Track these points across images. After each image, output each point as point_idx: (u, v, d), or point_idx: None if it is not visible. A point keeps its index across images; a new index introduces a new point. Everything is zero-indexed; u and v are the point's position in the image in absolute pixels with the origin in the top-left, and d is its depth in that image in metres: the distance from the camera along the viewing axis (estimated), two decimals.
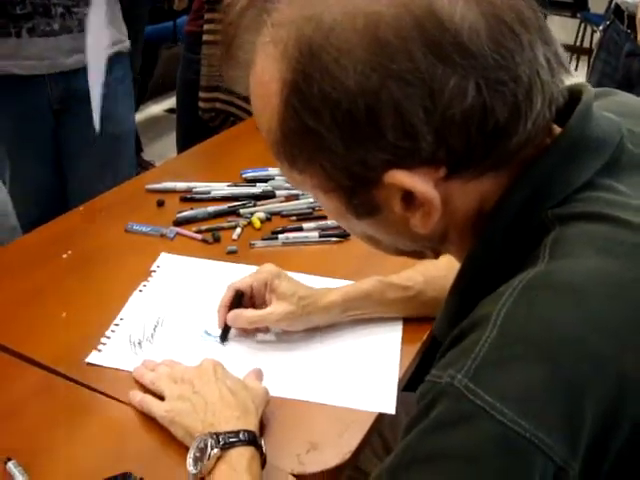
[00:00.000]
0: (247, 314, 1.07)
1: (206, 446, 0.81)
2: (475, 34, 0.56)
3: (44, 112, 1.75)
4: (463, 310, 0.62)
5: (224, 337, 1.08)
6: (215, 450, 0.80)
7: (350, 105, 0.58)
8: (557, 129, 0.65)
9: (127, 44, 1.85)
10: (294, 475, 0.87)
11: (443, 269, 1.02)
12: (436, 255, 0.75)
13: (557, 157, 0.63)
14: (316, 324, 1.09)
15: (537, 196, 0.63)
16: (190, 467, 0.82)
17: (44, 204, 1.82)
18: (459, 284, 0.70)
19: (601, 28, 2.32)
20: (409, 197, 0.62)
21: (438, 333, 0.73)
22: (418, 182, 0.60)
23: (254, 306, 1.10)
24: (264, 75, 0.62)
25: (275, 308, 1.06)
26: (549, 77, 0.60)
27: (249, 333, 1.10)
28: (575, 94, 0.66)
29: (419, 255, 0.76)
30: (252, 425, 0.86)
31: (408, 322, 1.13)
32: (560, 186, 0.63)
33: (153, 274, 1.23)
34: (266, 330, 1.10)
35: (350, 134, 0.59)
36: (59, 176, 1.90)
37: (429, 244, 0.72)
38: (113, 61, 1.71)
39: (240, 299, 1.08)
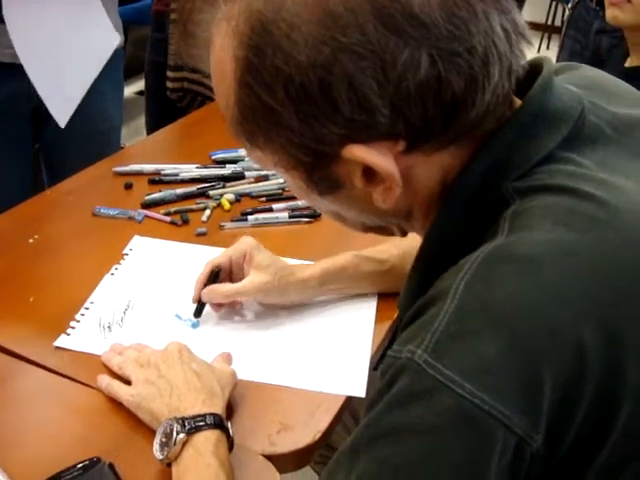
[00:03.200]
0: (223, 288, 1.06)
1: (172, 431, 0.81)
2: (427, 4, 0.56)
3: (23, 103, 1.71)
4: (425, 285, 0.62)
5: (198, 314, 1.08)
6: (181, 435, 0.80)
7: (303, 80, 0.57)
8: (518, 102, 0.65)
9: (120, 41, 1.81)
10: (265, 456, 0.87)
11: (419, 243, 1.02)
12: (402, 233, 0.75)
13: (517, 130, 0.63)
14: (291, 299, 1.09)
15: (497, 169, 0.63)
16: (157, 453, 0.81)
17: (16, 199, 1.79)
18: (421, 259, 0.70)
19: (570, 5, 2.32)
20: (370, 172, 0.62)
21: (401, 309, 0.73)
22: (376, 156, 0.60)
23: (232, 280, 1.10)
24: (220, 52, 0.62)
25: (252, 278, 1.06)
26: (507, 47, 0.59)
27: (223, 309, 1.10)
28: (536, 67, 0.66)
29: (386, 231, 0.75)
30: (218, 408, 0.85)
31: (382, 300, 1.13)
32: (520, 159, 0.63)
33: (125, 257, 1.22)
34: (240, 308, 1.10)
35: (305, 109, 0.58)
36: (34, 171, 1.87)
37: (394, 220, 0.72)
38: None
39: (216, 276, 1.08)
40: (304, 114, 0.59)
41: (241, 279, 1.08)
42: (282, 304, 1.10)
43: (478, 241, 0.61)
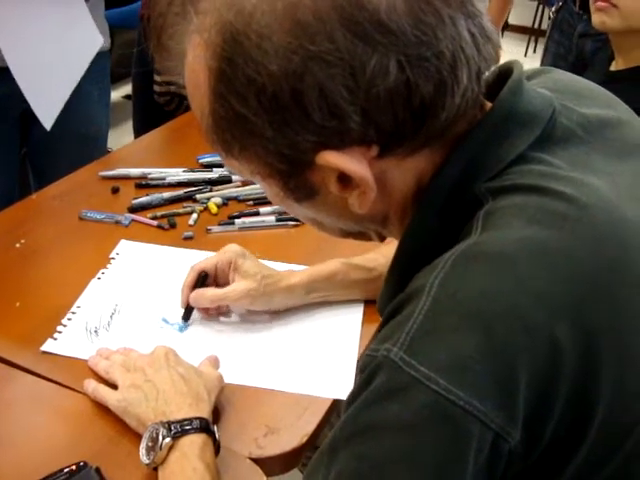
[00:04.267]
0: (209, 293, 1.07)
1: (158, 435, 0.81)
2: (393, 11, 0.56)
3: (11, 107, 1.70)
4: (402, 286, 0.63)
5: (186, 318, 1.08)
6: (167, 439, 0.80)
7: (275, 89, 0.58)
8: (489, 105, 0.66)
9: (107, 43, 1.81)
10: (252, 459, 0.87)
11: None
12: (380, 238, 0.76)
13: (488, 131, 0.64)
14: (278, 306, 1.10)
15: (470, 171, 0.64)
16: (143, 457, 0.81)
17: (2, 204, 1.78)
18: (397, 261, 0.71)
19: (553, 9, 2.34)
20: (344, 178, 0.62)
21: (380, 310, 0.74)
22: (349, 162, 0.60)
23: (217, 285, 1.10)
24: (193, 64, 0.63)
25: (237, 285, 1.06)
26: (474, 51, 0.60)
27: (211, 314, 1.10)
28: (506, 72, 0.67)
29: (364, 237, 0.76)
30: (205, 412, 0.85)
31: (368, 304, 1.13)
32: (492, 160, 0.64)
33: (112, 261, 1.22)
34: (228, 312, 1.10)
35: (277, 117, 0.59)
36: (21, 175, 1.87)
37: (371, 225, 0.73)
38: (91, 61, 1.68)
39: (204, 280, 1.08)
40: (277, 122, 0.60)
41: (225, 285, 1.08)
42: (269, 310, 1.10)
43: (453, 242, 0.61)
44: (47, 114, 1.58)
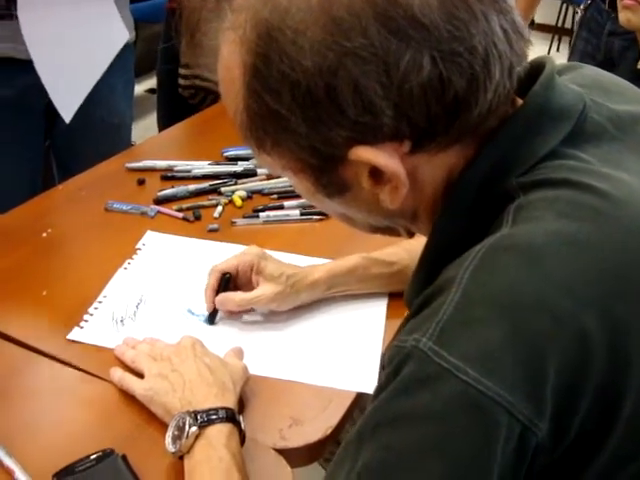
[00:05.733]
0: (236, 298, 1.06)
1: (184, 424, 0.81)
2: (427, 6, 0.57)
3: (36, 98, 1.71)
4: (431, 279, 0.63)
5: (212, 320, 1.08)
6: (193, 428, 0.81)
7: (309, 85, 0.58)
8: (520, 101, 0.66)
9: (132, 37, 1.82)
10: (276, 450, 0.87)
11: None
12: (409, 234, 0.76)
13: (520, 127, 0.64)
14: (303, 301, 1.10)
15: (501, 166, 0.64)
16: (169, 446, 0.82)
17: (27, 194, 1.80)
18: (427, 253, 0.71)
19: (582, 7, 2.32)
20: (376, 173, 0.63)
21: (408, 302, 0.74)
22: (383, 157, 0.61)
23: (238, 287, 1.10)
24: (227, 60, 0.63)
25: (264, 290, 1.06)
26: (506, 47, 0.60)
27: (236, 315, 1.10)
28: (538, 67, 0.67)
29: (393, 232, 0.76)
30: (230, 402, 0.86)
31: (392, 297, 1.13)
32: (524, 156, 0.64)
33: (138, 252, 1.23)
34: (252, 310, 1.10)
35: (311, 113, 0.60)
36: (45, 167, 1.88)
37: (401, 221, 0.73)
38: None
39: (227, 282, 1.08)
40: (311, 118, 0.60)
41: (248, 287, 1.08)
42: (293, 306, 1.10)
43: (482, 236, 0.61)
44: (67, 107, 1.59)
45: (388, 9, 0.56)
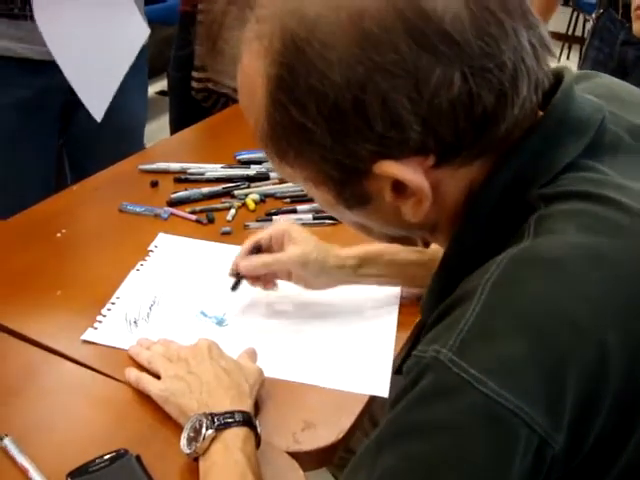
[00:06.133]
0: (264, 257, 1.07)
1: (201, 426, 0.81)
2: (459, 22, 0.57)
3: (52, 99, 1.72)
4: (448, 288, 0.63)
5: (235, 287, 1.09)
6: (210, 431, 0.81)
7: (336, 98, 0.58)
8: (540, 112, 0.66)
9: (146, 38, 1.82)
10: (289, 453, 0.87)
11: None
12: (425, 244, 0.77)
13: (541, 139, 0.64)
14: (326, 278, 1.08)
15: (522, 178, 0.64)
16: (184, 447, 0.82)
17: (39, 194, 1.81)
18: (445, 263, 0.71)
19: (594, 16, 2.32)
20: (399, 186, 0.63)
21: (424, 311, 0.74)
22: (408, 172, 0.61)
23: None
24: (250, 69, 0.63)
25: (291, 251, 1.06)
26: (534, 62, 0.61)
27: (259, 284, 1.10)
28: (557, 76, 0.67)
29: (410, 242, 0.77)
30: (247, 405, 0.86)
31: (403, 304, 1.13)
32: (545, 168, 0.64)
33: (151, 254, 1.23)
34: (274, 284, 1.11)
35: (338, 127, 0.60)
36: (57, 166, 1.89)
37: (420, 233, 0.73)
38: None
39: (258, 252, 1.09)
40: (337, 132, 0.60)
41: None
42: (317, 283, 1.09)
43: (502, 246, 0.61)
44: (97, 106, 1.60)
45: (419, 24, 0.56)
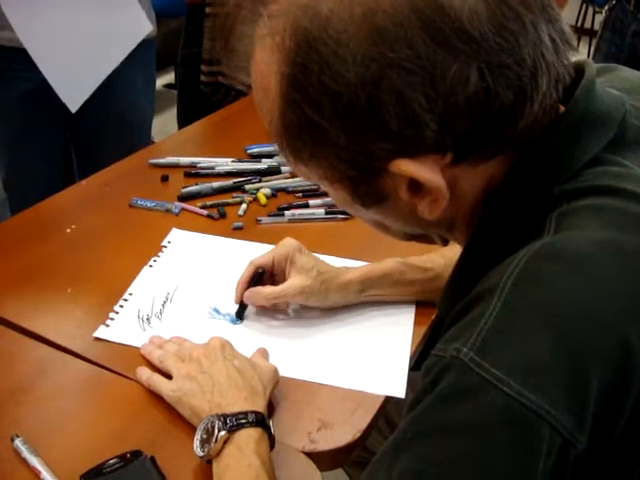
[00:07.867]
0: (265, 291, 1.05)
1: (213, 428, 0.80)
2: (476, 17, 0.55)
3: (57, 95, 1.71)
4: (467, 286, 0.62)
5: (240, 315, 1.07)
6: (222, 432, 0.79)
7: (351, 96, 0.57)
8: (562, 108, 0.65)
9: (154, 31, 1.81)
10: (305, 453, 0.86)
11: None
12: (444, 242, 0.75)
13: (562, 134, 0.63)
14: (332, 302, 1.08)
15: (543, 174, 0.63)
16: (197, 449, 0.81)
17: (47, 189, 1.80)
18: (463, 262, 0.70)
19: (606, 7, 2.30)
20: (416, 184, 0.62)
21: (441, 308, 0.73)
22: (424, 170, 0.60)
23: (274, 279, 1.09)
24: (263, 67, 0.62)
25: (293, 281, 1.04)
26: (554, 57, 0.59)
27: (267, 311, 1.08)
28: (577, 71, 0.65)
29: (427, 240, 0.76)
30: (260, 406, 0.84)
31: (420, 303, 1.12)
32: (567, 163, 0.63)
33: (164, 249, 1.22)
34: (284, 308, 1.09)
35: (352, 125, 0.59)
36: (65, 161, 1.88)
37: (437, 230, 0.72)
38: (136, 48, 1.68)
39: (260, 277, 1.07)
40: (352, 130, 0.59)
41: (283, 281, 1.06)
42: (323, 307, 1.08)
43: (522, 243, 0.60)
44: (72, 96, 1.58)
45: (435, 19, 0.55)
